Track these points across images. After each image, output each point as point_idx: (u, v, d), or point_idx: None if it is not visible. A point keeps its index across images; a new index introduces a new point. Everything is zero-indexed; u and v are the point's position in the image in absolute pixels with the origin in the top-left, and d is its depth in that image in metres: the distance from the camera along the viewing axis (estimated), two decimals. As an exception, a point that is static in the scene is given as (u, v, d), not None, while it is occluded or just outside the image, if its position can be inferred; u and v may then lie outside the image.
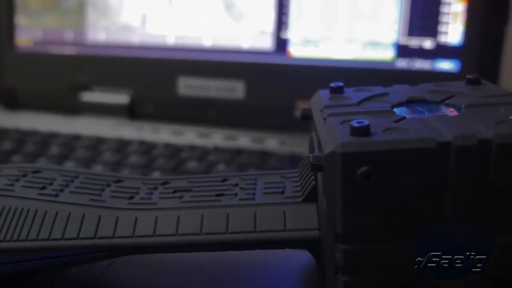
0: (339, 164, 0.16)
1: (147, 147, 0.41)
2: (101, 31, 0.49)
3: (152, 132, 0.45)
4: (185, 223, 0.20)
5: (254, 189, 0.22)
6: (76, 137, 0.44)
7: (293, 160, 0.39)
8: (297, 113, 0.44)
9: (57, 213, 0.20)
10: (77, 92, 0.50)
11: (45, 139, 0.43)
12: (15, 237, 0.19)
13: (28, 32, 0.51)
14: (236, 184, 0.22)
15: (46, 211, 0.20)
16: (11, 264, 0.20)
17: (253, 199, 0.21)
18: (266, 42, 0.45)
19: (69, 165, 0.39)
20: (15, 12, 0.51)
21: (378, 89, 0.23)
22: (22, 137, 0.44)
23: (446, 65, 0.42)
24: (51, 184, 0.22)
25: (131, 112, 0.49)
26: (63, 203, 0.21)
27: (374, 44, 0.43)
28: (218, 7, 0.46)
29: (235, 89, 0.46)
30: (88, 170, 0.24)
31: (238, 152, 0.40)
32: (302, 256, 0.25)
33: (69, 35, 0.50)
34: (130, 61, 0.48)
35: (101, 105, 0.49)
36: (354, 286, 0.17)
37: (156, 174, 0.37)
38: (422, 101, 0.21)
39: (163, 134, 0.45)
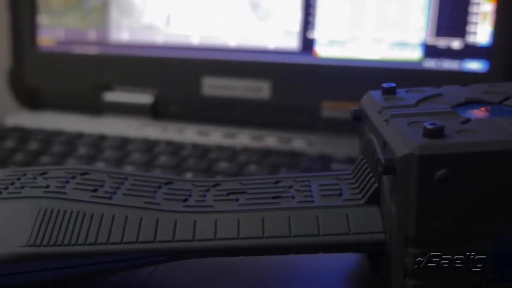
0: (416, 167, 0.16)
1: (175, 148, 0.41)
2: (125, 31, 0.49)
3: (177, 132, 0.45)
4: (246, 226, 0.20)
5: (310, 191, 0.22)
6: (102, 137, 0.44)
7: (324, 160, 0.39)
8: (324, 113, 0.44)
9: (113, 216, 0.20)
10: (100, 92, 0.49)
11: (71, 140, 0.43)
12: (73, 241, 0.19)
13: (51, 32, 0.51)
14: (291, 186, 0.22)
15: (102, 214, 0.20)
16: (68, 269, 0.19)
17: (312, 201, 0.21)
18: (292, 42, 0.45)
19: (99, 165, 0.38)
20: (37, 11, 0.50)
21: (430, 90, 0.23)
22: (47, 137, 0.44)
23: (474, 65, 0.42)
24: (101, 186, 0.22)
25: (155, 112, 0.48)
26: (118, 206, 0.21)
27: (401, 44, 0.43)
28: (244, 7, 0.46)
29: (261, 89, 0.46)
30: (136, 172, 0.24)
31: (267, 152, 0.40)
32: (343, 260, 0.25)
33: (92, 35, 0.50)
34: (153, 61, 0.48)
35: (124, 105, 0.49)
36: None
37: (188, 175, 0.37)
38: (480, 102, 0.21)
39: (188, 134, 0.45)
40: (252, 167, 0.37)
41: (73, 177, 0.23)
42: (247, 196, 0.22)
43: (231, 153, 0.40)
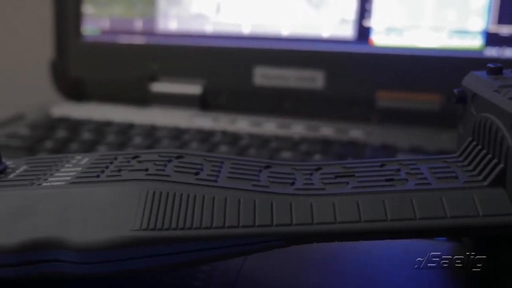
0: None
1: (231, 138, 0.40)
2: (173, 20, 0.48)
3: (230, 122, 0.44)
4: (366, 209, 0.19)
5: (423, 173, 0.21)
6: (154, 128, 0.43)
7: (387, 150, 0.38)
8: (379, 103, 0.43)
9: (225, 199, 0.19)
10: (147, 83, 0.48)
11: (123, 130, 0.42)
12: (187, 225, 0.18)
13: (95, 22, 0.50)
14: (399, 170, 0.21)
15: (213, 197, 0.19)
16: (180, 254, 0.18)
17: (429, 184, 0.20)
18: (347, 31, 0.44)
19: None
20: (82, 1, 0.50)
21: None
22: (98, 127, 0.43)
23: (538, 53, 0.41)
24: (201, 169, 0.21)
25: (203, 102, 0.47)
26: (227, 189, 0.20)
27: (461, 32, 0.42)
28: (297, -5, 0.45)
29: (315, 79, 0.45)
30: (230, 156, 0.23)
31: (327, 142, 0.39)
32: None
33: (138, 24, 0.49)
34: (202, 50, 0.47)
35: (172, 95, 0.48)
36: None
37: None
38: None
39: (241, 124, 0.44)
40: (317, 157, 0.36)
41: (169, 161, 0.22)
42: (358, 179, 0.21)
43: (291, 143, 0.39)
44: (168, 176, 0.20)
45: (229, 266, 0.23)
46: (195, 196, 0.19)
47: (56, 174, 0.21)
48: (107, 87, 0.50)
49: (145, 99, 0.48)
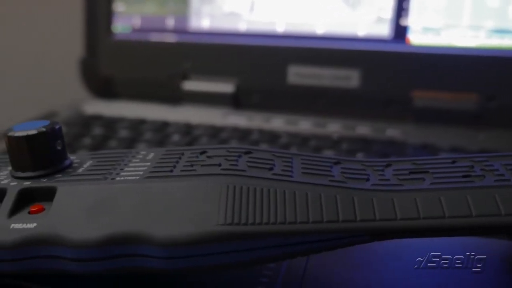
0: None
1: (270, 136, 0.40)
2: (205, 18, 0.48)
3: (264, 121, 0.44)
4: (450, 205, 0.18)
5: (498, 170, 0.20)
6: (189, 126, 0.43)
7: (429, 150, 0.38)
8: (416, 103, 0.43)
9: (307, 194, 0.19)
10: (179, 81, 0.48)
11: (158, 127, 0.42)
12: (272, 220, 0.18)
13: (126, 20, 0.50)
14: (472, 166, 0.21)
15: (294, 192, 0.19)
16: (264, 249, 0.18)
17: (509, 180, 0.20)
18: (383, 29, 0.44)
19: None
20: (113, -1, 0.50)
21: None
22: (133, 125, 0.43)
23: None
24: (274, 165, 0.21)
25: (236, 101, 0.47)
26: (305, 184, 0.20)
27: (501, 32, 0.42)
28: (333, -7, 0.44)
29: (350, 78, 0.44)
30: (298, 151, 0.23)
31: (366, 141, 0.39)
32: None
33: (170, 22, 0.49)
34: (235, 49, 0.47)
35: (204, 94, 0.48)
36: None
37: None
38: None
39: (276, 123, 0.44)
40: (360, 155, 0.36)
41: (239, 156, 0.22)
42: (434, 175, 0.20)
43: (330, 142, 0.39)
44: (244, 171, 0.20)
45: (293, 265, 0.23)
46: (275, 191, 0.19)
47: (126, 169, 0.21)
48: (138, 85, 0.50)
49: (177, 98, 0.48)
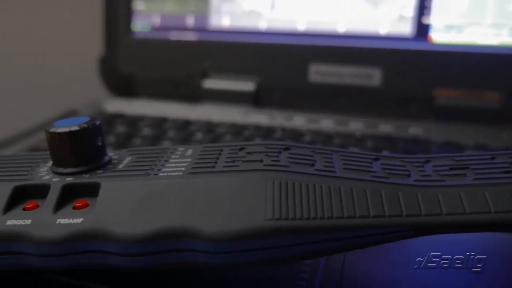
0: None
1: (293, 134, 0.40)
2: (226, 16, 0.48)
3: (286, 119, 0.44)
4: (494, 200, 0.18)
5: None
6: (211, 124, 0.43)
7: (453, 148, 0.37)
8: (438, 101, 0.43)
9: (351, 189, 0.19)
10: (198, 79, 0.48)
11: (181, 125, 0.42)
12: (319, 215, 0.18)
13: (146, 18, 0.50)
14: (511, 162, 0.21)
15: (339, 188, 0.19)
16: (312, 244, 0.18)
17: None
18: (405, 28, 0.44)
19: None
20: (133, -3, 0.50)
21: None
22: (155, 123, 0.43)
23: None
24: (315, 161, 0.21)
25: (256, 99, 0.47)
26: (349, 179, 0.20)
27: (523, 30, 0.42)
28: (354, -9, 0.44)
29: (371, 76, 0.44)
30: (335, 148, 0.23)
31: (389, 139, 0.39)
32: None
33: (190, 21, 0.49)
34: (256, 47, 0.47)
35: (224, 92, 0.48)
36: None
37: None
38: None
39: (298, 121, 0.44)
40: (385, 153, 0.36)
41: (279, 152, 0.22)
42: (475, 171, 0.20)
43: (355, 140, 0.39)
44: (287, 166, 0.20)
45: (330, 264, 0.23)
46: (321, 187, 0.19)
47: (167, 165, 0.21)
48: (157, 84, 0.50)
49: (196, 96, 0.48)
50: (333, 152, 0.22)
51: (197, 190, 0.19)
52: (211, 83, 0.48)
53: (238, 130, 0.41)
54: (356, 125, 0.42)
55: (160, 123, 0.43)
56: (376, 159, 0.22)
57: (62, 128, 0.21)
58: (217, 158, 0.21)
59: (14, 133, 0.41)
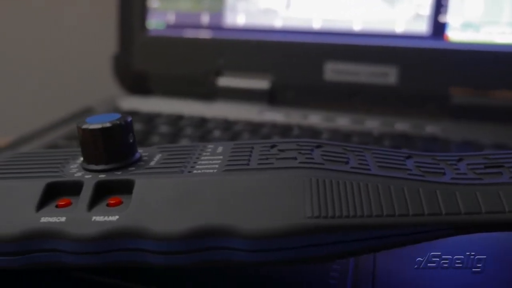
0: None
1: (311, 132, 0.40)
2: (241, 14, 0.48)
3: (302, 117, 0.44)
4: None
5: None
6: (228, 121, 0.42)
7: (472, 147, 0.37)
8: (454, 100, 0.43)
9: (389, 187, 0.19)
10: (213, 77, 0.48)
11: (197, 123, 0.42)
12: (359, 213, 0.18)
13: (161, 16, 0.50)
14: (547, 161, 0.21)
15: (377, 186, 0.19)
16: (352, 243, 0.18)
17: None
18: (421, 26, 0.44)
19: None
20: (148, -5, 0.50)
21: None
22: (171, 121, 0.43)
23: None
24: (348, 159, 0.21)
25: (271, 97, 0.47)
26: (386, 177, 0.20)
27: (541, 28, 0.41)
28: (371, -10, 0.44)
29: (387, 75, 0.44)
30: (366, 145, 0.23)
31: (407, 137, 0.39)
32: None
33: (205, 19, 0.49)
34: (271, 45, 0.47)
35: (239, 90, 0.48)
36: None
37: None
38: None
39: (314, 120, 0.43)
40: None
41: (312, 150, 0.22)
42: (510, 170, 0.20)
43: (373, 138, 0.39)
44: (323, 164, 0.20)
45: (360, 263, 0.23)
46: (358, 185, 0.19)
47: (199, 162, 0.21)
48: (171, 82, 0.50)
49: (210, 94, 0.48)
50: (364, 150, 0.22)
51: (234, 188, 0.19)
52: (225, 81, 0.48)
53: (254, 128, 0.41)
54: (372, 124, 0.42)
55: (176, 120, 0.43)
56: (408, 157, 0.22)
57: (94, 124, 0.21)
58: (250, 155, 0.21)
59: (30, 130, 0.41)
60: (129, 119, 0.22)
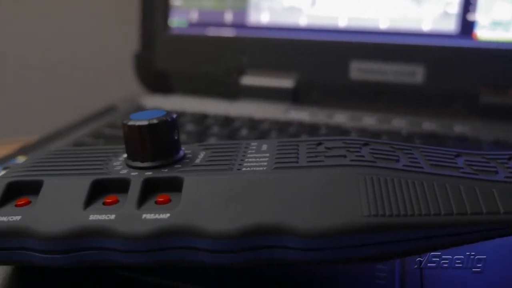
0: None
1: (339, 132, 0.40)
2: (265, 13, 0.47)
3: (327, 117, 0.44)
4: None
5: None
6: (253, 120, 0.42)
7: (503, 146, 0.37)
8: (483, 99, 0.42)
9: (445, 186, 0.19)
10: (235, 76, 0.48)
11: (223, 122, 0.42)
12: (416, 211, 0.18)
13: (183, 14, 0.50)
14: None
15: (433, 184, 0.19)
16: (409, 242, 0.18)
17: None
18: (449, 24, 0.43)
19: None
20: (170, -7, 0.49)
21: None
22: (196, 119, 0.42)
23: None
24: (398, 157, 0.21)
25: (295, 96, 0.47)
26: (441, 176, 0.19)
27: None
28: (398, -12, 0.44)
29: (414, 74, 0.44)
30: (412, 143, 0.23)
31: (437, 137, 0.39)
32: None
33: (228, 17, 0.48)
34: (296, 44, 0.47)
35: (263, 89, 0.47)
36: None
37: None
38: None
39: (340, 119, 0.43)
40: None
41: (359, 148, 0.21)
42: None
43: (401, 138, 0.38)
44: (374, 162, 0.20)
45: (407, 263, 0.23)
46: (414, 183, 0.19)
47: (246, 159, 0.21)
48: (193, 80, 0.50)
49: (234, 92, 0.48)
50: (412, 147, 0.22)
51: (287, 185, 0.19)
52: (249, 80, 0.48)
53: (281, 127, 0.40)
54: (399, 123, 0.42)
55: (201, 119, 0.42)
56: (457, 155, 0.21)
57: (141, 121, 0.21)
58: (297, 153, 0.21)
59: (55, 128, 0.41)
60: (174, 116, 0.22)
